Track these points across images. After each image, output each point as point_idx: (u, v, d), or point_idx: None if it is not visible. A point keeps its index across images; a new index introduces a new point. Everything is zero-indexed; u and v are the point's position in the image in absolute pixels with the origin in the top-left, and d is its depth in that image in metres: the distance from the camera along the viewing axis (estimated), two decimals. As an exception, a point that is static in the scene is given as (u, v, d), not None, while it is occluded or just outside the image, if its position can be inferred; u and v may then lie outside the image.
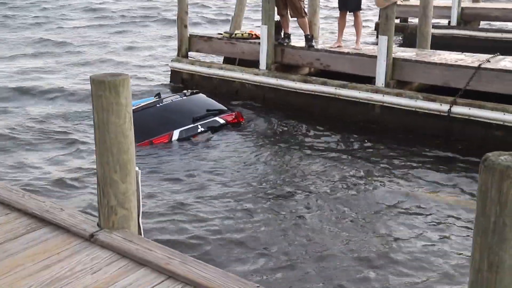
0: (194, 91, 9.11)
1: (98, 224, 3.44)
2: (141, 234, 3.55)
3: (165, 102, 8.44)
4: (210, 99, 8.99)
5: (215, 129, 8.28)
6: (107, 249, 3.23)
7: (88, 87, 3.44)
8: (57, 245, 3.28)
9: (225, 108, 8.87)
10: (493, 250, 2.00)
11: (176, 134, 7.92)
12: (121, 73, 3.42)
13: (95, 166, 3.45)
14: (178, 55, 11.26)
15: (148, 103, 8.36)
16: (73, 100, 10.11)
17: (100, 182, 3.38)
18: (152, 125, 7.96)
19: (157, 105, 8.33)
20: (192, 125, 8.14)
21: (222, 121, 8.46)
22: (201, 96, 9.00)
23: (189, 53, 11.24)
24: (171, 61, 11.44)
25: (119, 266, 3.08)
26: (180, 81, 11.15)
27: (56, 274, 2.99)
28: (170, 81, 11.51)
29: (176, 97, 8.70)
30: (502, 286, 2.02)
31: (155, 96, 8.84)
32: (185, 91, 9.00)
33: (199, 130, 8.13)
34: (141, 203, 3.54)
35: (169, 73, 11.59)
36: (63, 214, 3.59)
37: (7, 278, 2.95)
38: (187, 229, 5.37)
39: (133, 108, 8.36)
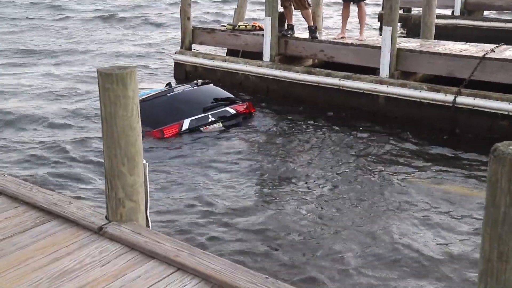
0: (206, 81, 9.08)
1: (106, 217, 3.46)
2: (148, 227, 3.56)
3: (176, 92, 8.44)
4: (221, 89, 8.95)
5: (225, 119, 8.25)
6: (116, 242, 3.24)
7: (93, 80, 3.45)
8: (66, 238, 3.30)
9: (236, 99, 8.84)
10: (503, 240, 1.99)
11: (186, 123, 7.91)
12: (128, 65, 3.42)
13: (102, 159, 3.46)
14: (181, 47, 11.24)
15: (159, 93, 8.38)
16: (77, 93, 10.08)
17: (107, 174, 3.39)
18: (162, 114, 7.96)
19: (168, 95, 8.34)
20: (202, 115, 8.12)
21: (233, 111, 8.42)
22: (212, 86, 8.97)
23: (192, 45, 11.23)
24: (175, 53, 11.43)
25: (128, 259, 3.09)
26: (184, 74, 11.13)
27: (65, 267, 3.00)
28: (173, 74, 11.50)
29: (187, 87, 8.67)
30: (512, 275, 2.02)
31: (166, 86, 8.83)
32: (196, 81, 8.97)
33: (209, 120, 8.11)
34: (148, 196, 3.56)
35: (173, 65, 11.58)
36: (72, 207, 3.60)
37: (16, 271, 2.97)
38: (195, 221, 5.38)
39: (144, 97, 8.35)
